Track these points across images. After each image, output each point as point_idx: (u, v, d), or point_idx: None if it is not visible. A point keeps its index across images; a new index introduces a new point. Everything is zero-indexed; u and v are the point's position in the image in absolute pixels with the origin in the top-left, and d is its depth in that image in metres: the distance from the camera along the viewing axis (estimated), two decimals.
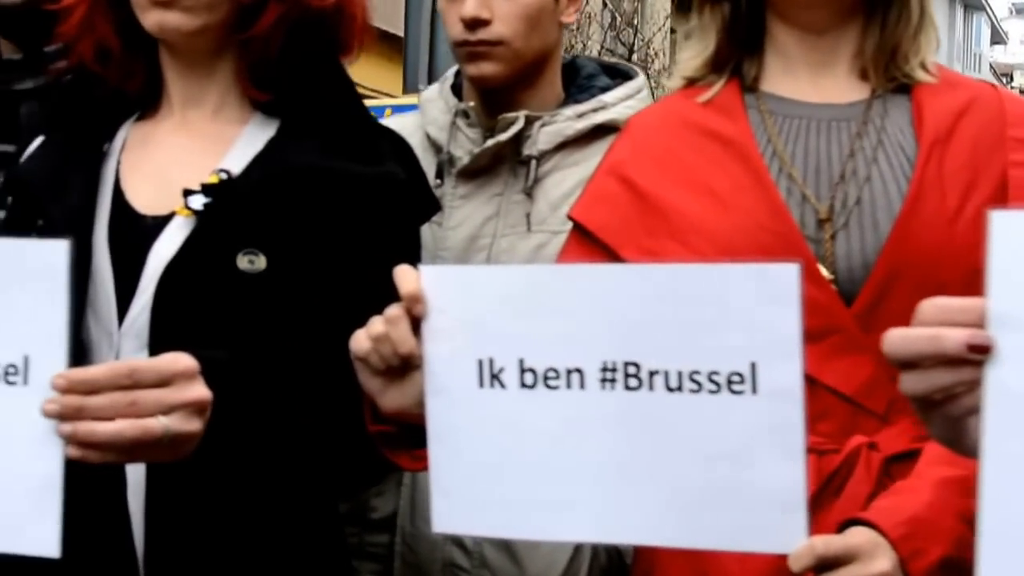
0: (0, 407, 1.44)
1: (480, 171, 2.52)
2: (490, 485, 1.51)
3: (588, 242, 2.00)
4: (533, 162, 2.48)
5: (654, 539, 1.52)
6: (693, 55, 2.09)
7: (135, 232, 1.78)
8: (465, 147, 2.53)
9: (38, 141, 1.88)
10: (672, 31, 18.31)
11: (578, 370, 1.46)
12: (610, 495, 1.46)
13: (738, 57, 2.04)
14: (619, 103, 2.58)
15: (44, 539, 1.40)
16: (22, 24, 2.13)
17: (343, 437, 1.67)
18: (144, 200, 1.84)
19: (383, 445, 1.63)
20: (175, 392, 1.46)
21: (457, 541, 2.39)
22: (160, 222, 1.79)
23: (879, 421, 1.75)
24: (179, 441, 1.46)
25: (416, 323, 1.52)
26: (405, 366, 1.54)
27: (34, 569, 1.45)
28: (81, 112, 1.92)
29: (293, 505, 1.77)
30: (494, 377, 1.49)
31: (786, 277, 1.36)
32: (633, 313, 1.44)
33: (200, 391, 1.48)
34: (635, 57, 17.28)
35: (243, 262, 1.72)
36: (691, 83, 2.08)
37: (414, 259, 1.90)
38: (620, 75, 2.71)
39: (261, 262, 1.72)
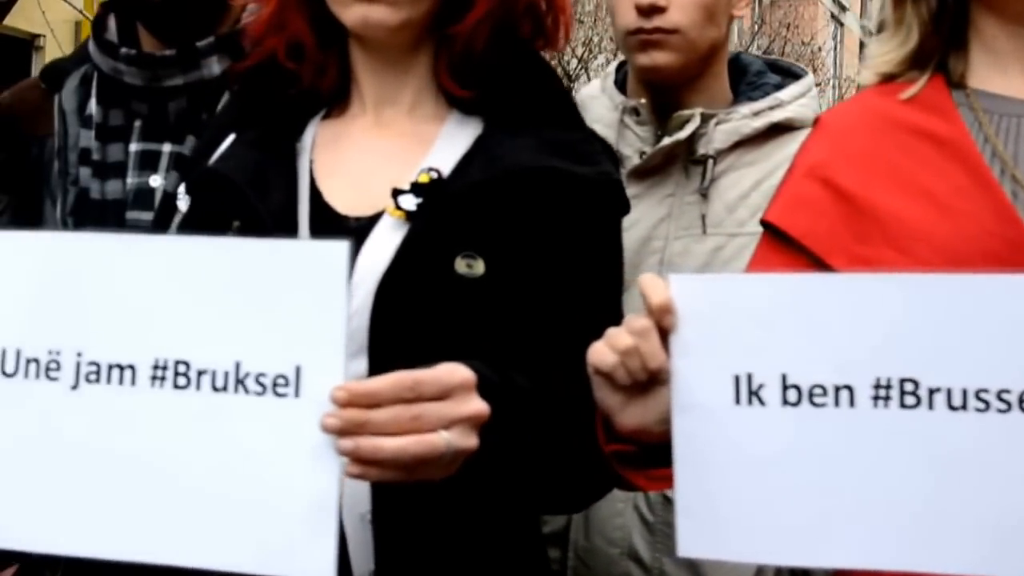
0: (269, 421, 1.34)
1: (651, 171, 2.43)
2: (742, 507, 1.41)
3: (787, 248, 1.89)
4: (709, 162, 2.39)
5: (920, 565, 1.42)
6: (889, 50, 1.97)
7: (338, 232, 1.71)
8: (635, 146, 2.45)
9: (229, 139, 1.81)
10: None
11: (847, 387, 1.36)
12: (880, 520, 1.37)
13: (942, 52, 1.93)
14: (794, 101, 2.48)
15: (318, 563, 1.30)
16: (167, 19, 2.06)
17: (573, 453, 1.58)
18: (343, 201, 1.76)
19: (618, 464, 1.54)
20: (456, 405, 1.37)
21: (634, 555, 2.31)
22: (365, 224, 1.71)
23: None
24: (457, 458, 1.38)
25: (663, 335, 1.43)
26: (649, 381, 1.45)
27: None
28: (272, 110, 1.85)
29: (508, 524, 1.69)
30: (752, 394, 1.40)
31: None
32: (906, 326, 1.35)
33: (479, 405, 1.39)
34: None
35: (461, 266, 1.64)
36: (887, 79, 1.97)
37: (621, 263, 1.82)
38: (783, 72, 2.61)
39: (479, 266, 1.64)
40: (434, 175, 1.70)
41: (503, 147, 1.71)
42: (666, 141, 2.39)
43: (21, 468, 1.40)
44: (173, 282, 1.39)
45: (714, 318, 1.41)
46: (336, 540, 1.30)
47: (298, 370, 1.33)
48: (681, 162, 2.43)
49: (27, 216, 2.10)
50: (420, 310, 1.62)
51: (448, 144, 1.77)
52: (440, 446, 1.34)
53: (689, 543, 1.44)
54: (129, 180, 2.08)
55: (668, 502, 2.29)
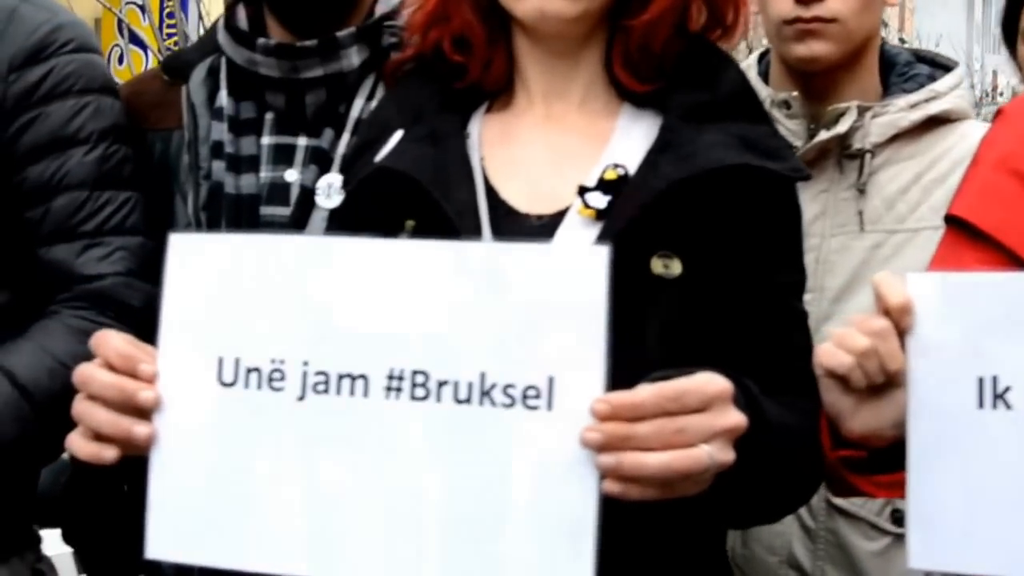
0: (518, 435, 1.27)
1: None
2: (984, 517, 1.34)
3: (977, 243, 1.82)
4: (867, 156, 2.31)
5: None
6: None
7: (521, 232, 1.64)
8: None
9: (397, 136, 1.74)
10: None
11: None
12: None
13: None
14: (950, 92, 2.39)
15: None
16: (302, 8, 2.00)
17: (803, 462, 1.51)
18: (521, 198, 1.70)
19: (845, 470, 1.47)
20: (716, 417, 1.29)
21: (795, 563, 2.23)
22: (548, 222, 1.65)
23: None
24: (714, 473, 1.31)
25: (900, 336, 1.36)
26: (883, 384, 1.38)
27: None
28: (439, 105, 1.79)
29: (705, 535, 1.63)
30: (998, 397, 1.32)
31: None
32: None
33: (738, 417, 1.32)
34: None
35: (658, 266, 1.57)
36: None
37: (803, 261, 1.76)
38: (928, 62, 2.53)
39: (676, 266, 1.58)
40: (621, 171, 1.64)
41: (694, 143, 1.64)
42: (822, 135, 2.31)
43: (237, 480, 1.34)
44: (405, 289, 1.32)
45: (954, 318, 1.34)
46: (594, 563, 1.23)
47: (551, 381, 1.25)
48: (835, 157, 2.35)
49: (155, 212, 2.05)
50: (617, 312, 1.55)
51: (626, 139, 1.70)
52: (704, 461, 1.26)
53: (922, 555, 1.37)
54: (263, 174, 2.01)
55: (832, 508, 2.22)
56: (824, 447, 1.47)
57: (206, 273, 1.39)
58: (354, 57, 2.00)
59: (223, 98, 2.04)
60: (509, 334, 1.29)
